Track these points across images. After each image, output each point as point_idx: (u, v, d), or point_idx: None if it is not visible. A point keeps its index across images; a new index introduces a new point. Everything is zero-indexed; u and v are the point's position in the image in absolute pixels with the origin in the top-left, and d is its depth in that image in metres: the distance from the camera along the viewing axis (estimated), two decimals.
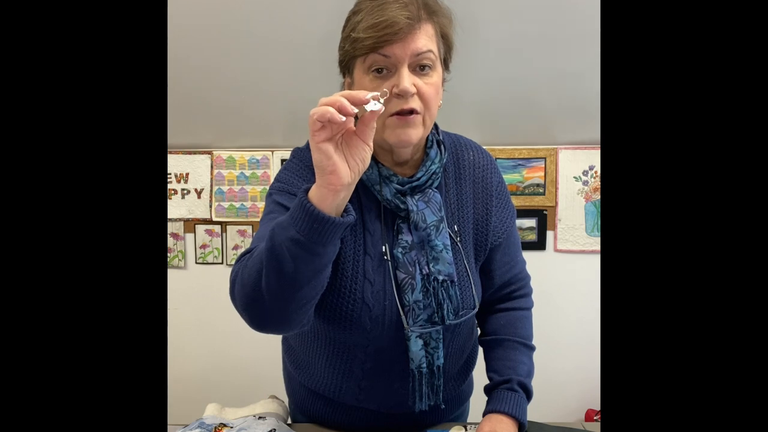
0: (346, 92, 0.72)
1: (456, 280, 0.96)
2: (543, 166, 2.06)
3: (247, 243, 2.14)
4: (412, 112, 0.87)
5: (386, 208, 0.96)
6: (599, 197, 2.07)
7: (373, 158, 0.94)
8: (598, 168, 2.06)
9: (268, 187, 2.13)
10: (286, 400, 1.19)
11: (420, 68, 0.87)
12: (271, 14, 1.74)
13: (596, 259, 2.07)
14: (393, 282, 0.94)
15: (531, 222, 2.08)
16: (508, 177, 2.06)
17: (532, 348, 1.07)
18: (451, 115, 1.98)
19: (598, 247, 2.07)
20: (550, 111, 1.97)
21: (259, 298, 0.78)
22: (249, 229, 2.13)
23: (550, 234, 2.10)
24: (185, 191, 2.13)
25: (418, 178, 0.95)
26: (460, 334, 1.05)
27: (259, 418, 1.08)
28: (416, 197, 0.95)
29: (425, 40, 0.86)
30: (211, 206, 2.13)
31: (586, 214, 2.08)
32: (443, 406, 1.04)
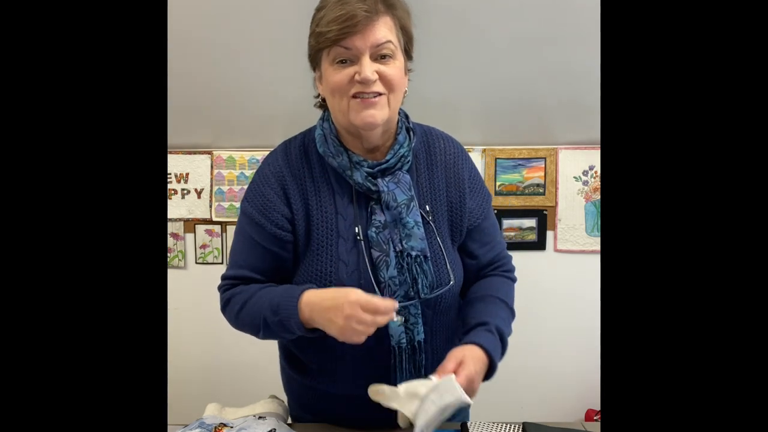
0: (382, 305, 0.88)
1: (429, 255, 1.01)
2: (543, 166, 2.06)
3: None
4: (376, 95, 0.94)
5: (359, 191, 1.01)
6: (599, 197, 2.07)
7: (343, 145, 1.01)
8: (598, 168, 2.06)
9: None
10: (285, 399, 1.19)
11: (381, 57, 0.94)
12: (271, 14, 1.74)
13: (596, 259, 2.07)
14: (367, 261, 0.99)
15: (531, 222, 2.08)
16: (508, 177, 2.06)
17: (512, 310, 1.09)
18: (451, 116, 1.98)
19: (598, 247, 2.07)
20: (550, 111, 1.97)
21: (252, 333, 1.04)
22: None
23: (550, 234, 2.10)
24: (185, 191, 2.13)
25: (387, 161, 1.00)
26: (444, 313, 1.07)
27: (259, 418, 1.08)
28: (386, 179, 1.00)
29: (384, 31, 0.93)
30: (211, 206, 2.13)
31: (586, 214, 2.08)
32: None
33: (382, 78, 0.94)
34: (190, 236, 2.15)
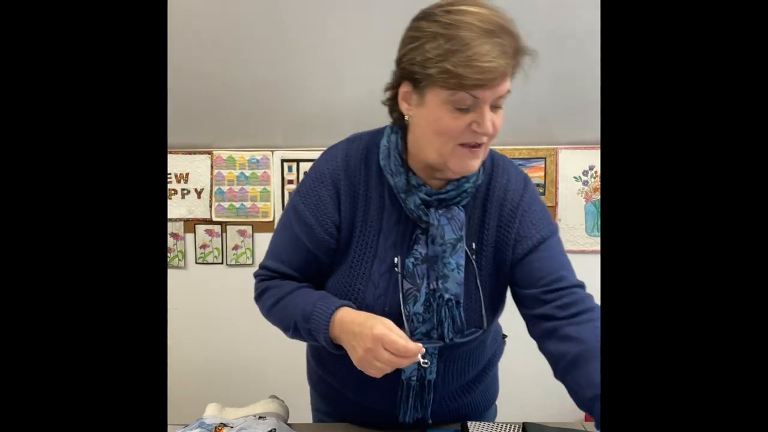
0: (402, 348, 0.82)
1: (462, 300, 0.95)
2: (543, 166, 2.06)
3: (247, 243, 2.13)
4: (481, 143, 0.88)
5: (408, 216, 0.96)
6: (599, 197, 2.07)
7: (405, 164, 0.95)
8: (598, 168, 2.06)
9: (268, 187, 2.14)
10: (286, 399, 1.19)
11: (495, 106, 0.88)
12: (270, 14, 1.74)
13: (596, 259, 2.06)
14: (398, 290, 0.94)
15: None
16: None
17: None
18: None
19: (598, 247, 2.07)
20: (550, 111, 1.97)
21: (281, 330, 1.01)
22: (249, 229, 2.13)
23: None
24: (185, 191, 2.13)
25: (447, 191, 0.93)
26: (464, 354, 1.03)
27: (259, 418, 1.08)
28: (440, 211, 0.94)
29: (508, 81, 0.87)
30: (211, 206, 2.13)
31: (586, 214, 2.08)
32: (430, 422, 1.03)
33: (493, 128, 0.87)
34: (190, 236, 2.15)
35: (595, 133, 2.01)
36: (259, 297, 1.04)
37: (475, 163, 0.90)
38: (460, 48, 0.81)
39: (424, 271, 0.94)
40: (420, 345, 0.83)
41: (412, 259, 0.95)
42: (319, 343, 0.93)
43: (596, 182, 2.07)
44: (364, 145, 0.99)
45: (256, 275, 1.06)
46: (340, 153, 0.99)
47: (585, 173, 2.07)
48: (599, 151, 1.96)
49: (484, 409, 1.16)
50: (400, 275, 0.95)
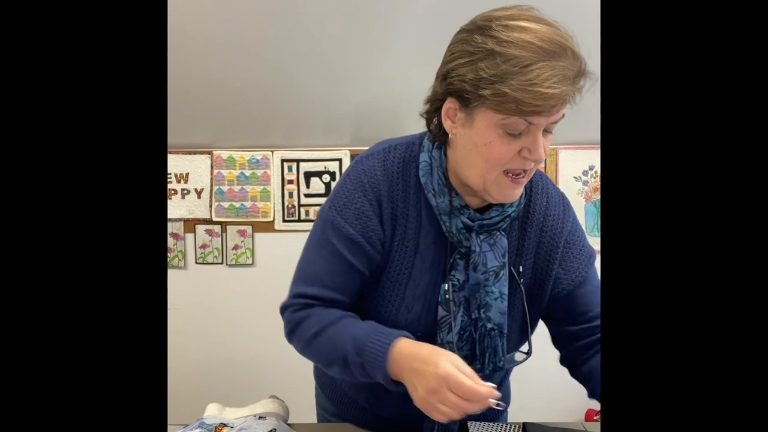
0: (470, 391, 0.74)
1: (506, 331, 0.90)
2: (543, 166, 2.06)
3: (246, 243, 2.13)
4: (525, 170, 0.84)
5: (444, 237, 0.91)
6: (599, 197, 2.07)
7: (448, 182, 0.89)
8: (598, 168, 2.07)
9: (268, 187, 2.14)
10: (286, 399, 1.19)
11: (545, 130, 0.83)
12: (270, 14, 1.74)
13: (596, 260, 2.07)
14: (432, 316, 0.91)
15: None
16: None
17: None
18: None
19: (598, 247, 2.07)
20: None
21: (321, 365, 0.95)
22: (249, 229, 2.13)
23: None
24: (185, 191, 2.13)
25: (491, 218, 0.88)
26: (500, 378, 1.01)
27: (260, 418, 1.08)
28: (482, 237, 0.88)
29: (564, 107, 0.82)
30: (211, 206, 2.13)
31: (586, 214, 2.08)
32: None
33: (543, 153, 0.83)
34: (190, 236, 2.15)
35: (595, 133, 2.01)
36: (293, 330, 0.93)
37: (516, 192, 0.85)
38: (520, 70, 0.75)
39: (461, 299, 0.89)
40: (492, 387, 0.76)
41: (447, 286, 0.89)
42: (373, 379, 0.84)
43: (596, 182, 2.07)
44: (401, 158, 0.92)
45: (285, 307, 0.95)
46: (378, 165, 0.91)
47: (585, 173, 2.07)
48: (599, 151, 1.96)
49: (494, 419, 1.14)
50: (433, 299, 0.91)
